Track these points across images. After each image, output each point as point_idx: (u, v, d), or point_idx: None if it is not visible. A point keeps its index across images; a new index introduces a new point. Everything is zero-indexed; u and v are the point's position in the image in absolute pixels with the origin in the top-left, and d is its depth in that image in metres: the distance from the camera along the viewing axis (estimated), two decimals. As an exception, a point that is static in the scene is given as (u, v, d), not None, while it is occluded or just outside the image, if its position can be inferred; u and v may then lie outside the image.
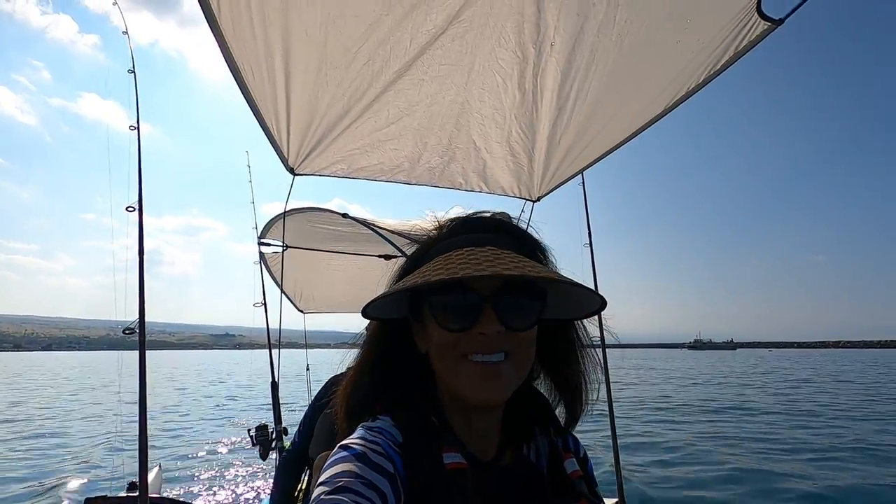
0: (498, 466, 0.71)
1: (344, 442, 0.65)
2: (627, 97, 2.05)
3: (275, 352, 3.40)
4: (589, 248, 2.91)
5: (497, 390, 0.65)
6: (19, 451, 8.80)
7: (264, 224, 3.56)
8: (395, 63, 1.91)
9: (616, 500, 2.94)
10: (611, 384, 2.96)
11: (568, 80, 1.98)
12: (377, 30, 1.75)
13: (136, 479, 4.35)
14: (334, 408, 0.77)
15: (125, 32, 2.73)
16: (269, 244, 3.61)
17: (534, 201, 2.74)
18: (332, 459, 0.61)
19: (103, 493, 3.68)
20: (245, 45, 1.87)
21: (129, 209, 2.18)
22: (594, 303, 0.69)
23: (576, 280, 0.65)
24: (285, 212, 2.92)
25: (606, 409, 2.92)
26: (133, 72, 2.57)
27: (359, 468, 0.58)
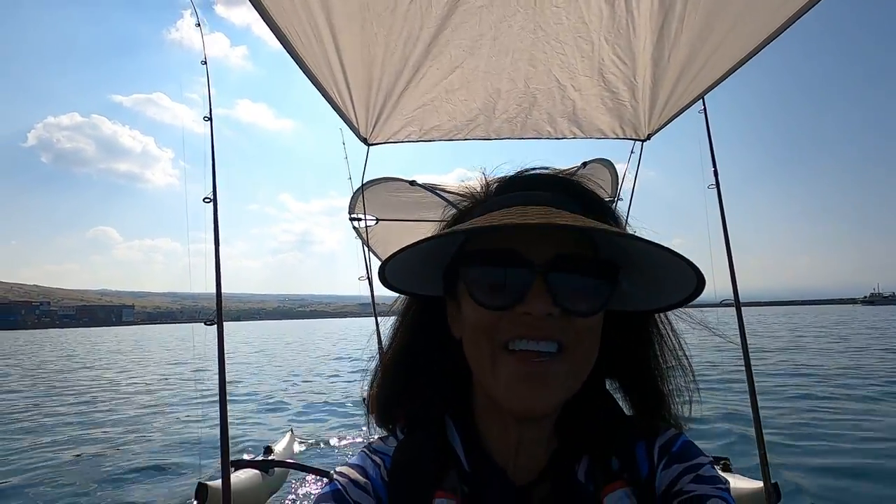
0: (532, 496, 0.56)
1: (337, 468, 0.61)
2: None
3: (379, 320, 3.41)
4: (716, 191, 2.28)
5: (542, 396, 0.51)
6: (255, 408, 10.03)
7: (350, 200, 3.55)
8: (444, -8, 1.59)
9: (761, 483, 2.42)
10: (749, 351, 2.38)
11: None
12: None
13: (272, 443, 4.85)
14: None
15: (198, 25, 2.77)
16: (359, 218, 3.59)
17: (643, 140, 2.22)
18: (319, 493, 0.58)
19: (245, 458, 4.12)
20: (289, 16, 1.71)
21: (206, 200, 2.21)
22: (686, 283, 0.52)
23: (668, 247, 0.48)
24: (363, 185, 2.80)
25: (745, 377, 2.41)
26: (205, 63, 2.60)
27: None
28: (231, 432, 2.47)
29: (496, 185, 0.63)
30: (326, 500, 0.55)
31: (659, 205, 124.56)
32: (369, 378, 0.68)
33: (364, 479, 0.58)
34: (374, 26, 1.81)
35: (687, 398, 0.62)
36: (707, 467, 0.56)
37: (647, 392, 0.62)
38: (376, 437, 0.65)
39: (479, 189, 0.65)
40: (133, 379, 15.52)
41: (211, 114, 2.49)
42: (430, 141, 2.57)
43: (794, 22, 1.46)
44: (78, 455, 6.63)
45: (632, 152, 2.27)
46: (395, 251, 0.53)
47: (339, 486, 0.57)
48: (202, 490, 3.24)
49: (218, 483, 2.77)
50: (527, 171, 0.62)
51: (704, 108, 2.35)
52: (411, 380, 0.64)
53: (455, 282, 0.59)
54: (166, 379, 15.30)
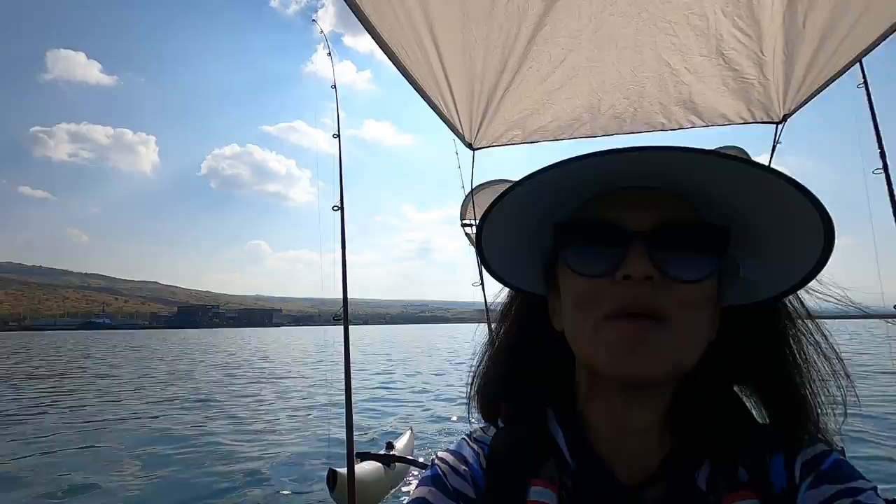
0: (642, 498, 0.51)
1: (437, 454, 0.62)
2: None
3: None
4: (884, 174, 1.89)
5: (645, 359, 0.48)
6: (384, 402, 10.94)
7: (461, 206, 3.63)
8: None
9: None
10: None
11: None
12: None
13: (393, 440, 5.13)
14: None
15: (329, 54, 3.08)
16: (470, 224, 3.66)
17: (779, 122, 1.94)
18: (420, 477, 0.60)
19: (368, 450, 4.42)
20: (390, 23, 1.83)
21: (335, 208, 2.43)
22: (812, 244, 0.47)
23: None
24: (472, 190, 2.86)
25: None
26: (334, 87, 2.87)
27: (431, 495, 0.55)
28: (358, 423, 2.70)
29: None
30: (427, 485, 0.57)
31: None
32: (474, 368, 0.69)
33: (464, 467, 0.58)
34: (473, 31, 1.85)
35: (840, 409, 0.54)
36: (870, 493, 0.47)
37: (784, 398, 0.55)
38: (478, 425, 0.66)
39: None
40: (290, 373, 17.52)
41: (339, 130, 2.76)
42: (534, 142, 2.54)
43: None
44: (245, 428, 7.74)
45: (779, 134, 1.95)
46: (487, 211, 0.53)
47: (440, 472, 0.58)
48: (332, 476, 3.57)
49: (345, 471, 3.02)
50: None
51: (864, 79, 1.97)
52: (514, 374, 0.64)
53: (554, 270, 0.58)
54: (319, 371, 17.12)
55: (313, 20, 3.22)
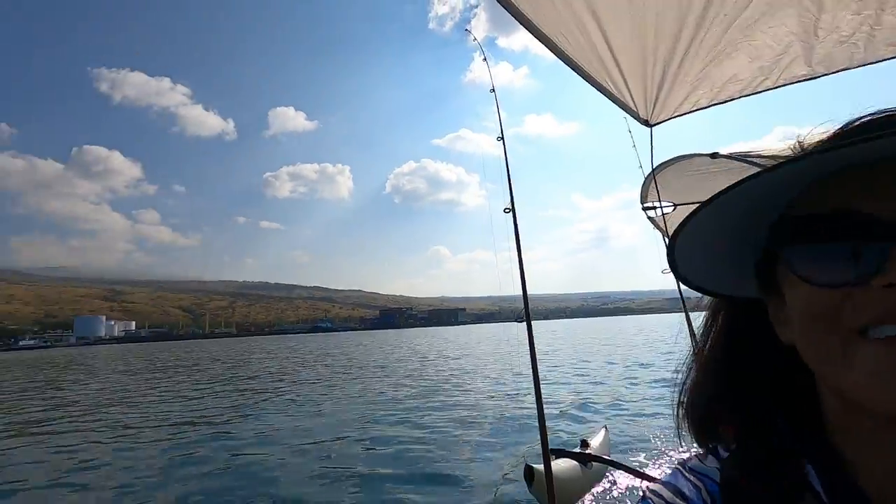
0: None
1: (649, 487, 0.53)
2: None
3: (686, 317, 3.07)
4: None
5: None
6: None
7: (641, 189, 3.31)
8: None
9: None
10: None
11: None
12: None
13: (588, 437, 4.94)
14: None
15: (485, 59, 3.14)
16: (653, 206, 3.31)
17: None
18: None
19: (563, 447, 4.34)
20: (546, 14, 1.79)
21: (506, 211, 2.46)
22: None
23: None
24: (654, 169, 2.59)
25: None
26: (493, 91, 2.92)
27: None
28: (549, 421, 2.68)
29: (836, 132, 0.45)
30: None
31: None
32: (680, 384, 0.59)
33: (681, 502, 0.50)
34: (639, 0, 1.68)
35: None
36: None
37: None
38: (692, 451, 0.56)
39: (807, 146, 0.49)
40: (487, 370, 18.53)
41: (503, 133, 2.79)
42: (724, 102, 2.19)
43: None
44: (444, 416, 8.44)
45: None
46: (682, 221, 0.42)
47: None
48: (528, 471, 3.61)
49: (542, 467, 3.02)
50: (881, 112, 0.43)
51: None
52: (731, 391, 0.54)
53: (772, 270, 0.47)
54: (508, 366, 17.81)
55: (466, 30, 3.32)
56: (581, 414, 8.90)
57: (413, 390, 13.07)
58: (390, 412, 9.85)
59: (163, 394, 15.35)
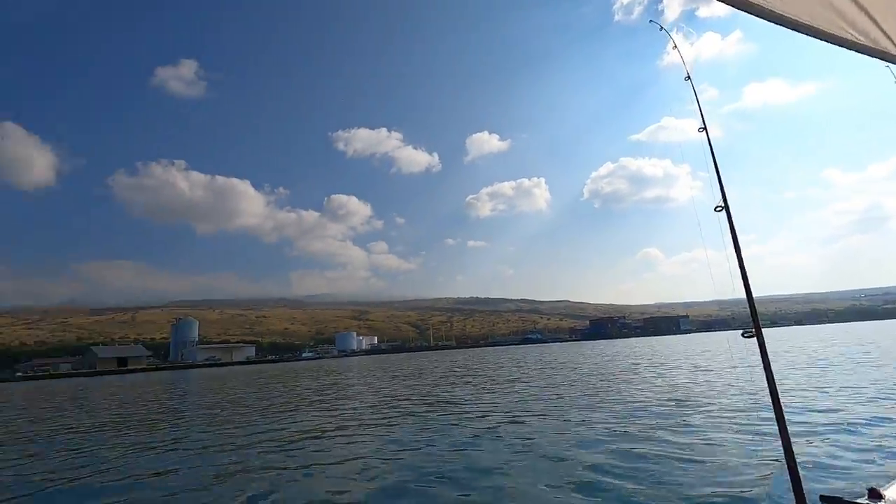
0: None
1: None
2: None
3: None
4: None
5: None
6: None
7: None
8: None
9: None
10: None
11: None
12: None
13: (881, 486, 3.74)
14: None
15: (675, 47, 2.83)
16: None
17: None
18: None
19: (840, 496, 3.39)
20: None
21: (718, 209, 2.14)
22: None
23: None
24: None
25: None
26: (688, 79, 2.60)
27: None
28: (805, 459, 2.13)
29: None
30: None
31: None
32: None
33: None
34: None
35: None
36: None
37: None
38: None
39: None
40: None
41: (704, 123, 2.45)
42: None
43: None
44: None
45: None
46: None
47: None
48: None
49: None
50: None
51: None
52: None
53: None
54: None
55: (651, 21, 3.01)
56: (866, 451, 6.89)
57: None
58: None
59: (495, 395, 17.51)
